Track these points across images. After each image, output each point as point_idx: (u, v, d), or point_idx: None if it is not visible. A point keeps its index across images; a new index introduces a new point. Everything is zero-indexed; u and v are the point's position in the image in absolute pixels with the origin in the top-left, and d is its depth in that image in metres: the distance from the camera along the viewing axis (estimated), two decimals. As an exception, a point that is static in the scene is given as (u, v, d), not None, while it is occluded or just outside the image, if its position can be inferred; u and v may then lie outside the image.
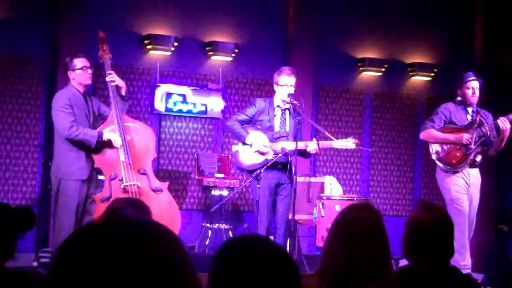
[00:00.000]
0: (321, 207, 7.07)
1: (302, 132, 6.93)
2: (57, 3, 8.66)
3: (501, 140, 6.91)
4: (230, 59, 9.42)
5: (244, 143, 6.74)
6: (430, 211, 3.18)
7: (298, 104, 6.67)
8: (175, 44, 9.08)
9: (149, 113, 9.10)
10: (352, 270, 2.60)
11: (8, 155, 8.47)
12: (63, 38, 8.56)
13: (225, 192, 8.53)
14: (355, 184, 10.10)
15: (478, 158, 6.98)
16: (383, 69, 10.18)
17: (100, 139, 6.29)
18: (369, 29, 10.15)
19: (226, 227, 8.63)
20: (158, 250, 1.17)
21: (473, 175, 7.00)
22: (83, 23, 8.56)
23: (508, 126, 6.80)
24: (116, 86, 6.56)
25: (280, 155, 6.59)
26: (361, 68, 10.16)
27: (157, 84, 9.03)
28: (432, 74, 10.42)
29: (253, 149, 6.71)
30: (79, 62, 6.42)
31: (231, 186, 8.50)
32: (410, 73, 10.43)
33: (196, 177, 8.85)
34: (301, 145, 6.58)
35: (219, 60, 9.40)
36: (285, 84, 6.73)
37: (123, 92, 6.61)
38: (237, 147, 6.83)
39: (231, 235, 8.59)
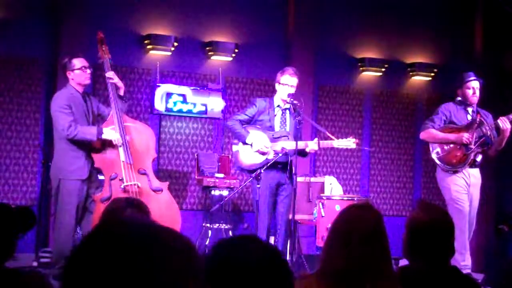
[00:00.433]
0: (321, 207, 7.07)
1: (302, 132, 6.93)
2: (57, 3, 8.66)
3: (501, 140, 6.91)
4: (230, 59, 9.42)
5: (244, 143, 6.74)
6: (430, 211, 3.18)
7: (298, 104, 6.67)
8: (175, 44, 9.08)
9: (149, 113, 9.10)
10: (352, 270, 2.60)
11: (8, 155, 8.47)
12: (64, 38, 8.55)
13: (225, 192, 8.53)
14: (355, 184, 10.10)
15: (479, 158, 6.99)
16: (383, 69, 10.17)
17: (100, 135, 6.29)
18: (369, 29, 10.15)
19: (226, 227, 8.63)
20: (173, 253, 1.17)
21: (473, 175, 7.00)
22: (83, 23, 8.56)
23: (509, 126, 6.80)
24: (115, 86, 6.56)
25: (280, 155, 6.60)
26: (361, 68, 10.16)
27: (157, 84, 9.03)
28: (432, 74, 10.42)
29: (253, 149, 6.71)
30: (77, 62, 6.43)
31: (231, 186, 8.50)
32: (410, 73, 10.43)
33: (196, 177, 8.85)
34: (301, 144, 6.58)
35: (219, 60, 9.40)
36: (286, 83, 6.75)
37: (121, 93, 6.61)
38: (237, 147, 6.83)
39: (231, 235, 8.59)
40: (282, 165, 6.63)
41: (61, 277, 1.19)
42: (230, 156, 8.78)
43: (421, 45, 10.44)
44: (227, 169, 8.84)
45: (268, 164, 6.58)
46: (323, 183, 8.41)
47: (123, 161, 6.38)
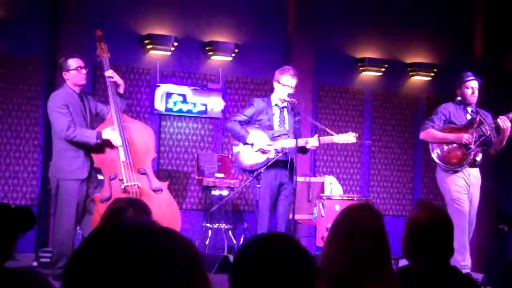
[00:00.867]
0: (321, 207, 7.07)
1: (301, 129, 6.91)
2: (57, 3, 8.66)
3: (501, 139, 6.91)
4: (230, 59, 9.42)
5: (245, 143, 6.73)
6: (429, 211, 3.18)
7: (296, 102, 6.66)
8: (175, 44, 9.08)
9: (149, 113, 9.10)
10: (352, 270, 2.60)
11: (8, 155, 8.47)
12: (63, 38, 8.55)
13: (225, 192, 8.53)
14: (355, 184, 10.10)
15: (478, 158, 6.99)
16: (383, 69, 10.18)
17: (99, 140, 6.27)
18: (369, 29, 10.15)
19: (226, 227, 8.63)
20: (174, 254, 1.18)
21: (473, 175, 7.00)
22: (83, 23, 8.55)
23: (509, 125, 6.80)
24: (115, 83, 6.54)
25: (280, 154, 6.59)
26: (361, 68, 10.16)
27: (157, 84, 9.03)
28: (432, 74, 10.42)
29: (255, 148, 6.70)
30: (73, 62, 6.41)
31: (231, 186, 8.50)
32: (410, 73, 10.43)
33: (196, 177, 8.85)
34: (301, 142, 6.58)
35: (219, 60, 9.40)
36: (287, 84, 6.73)
37: (121, 90, 6.59)
38: (238, 148, 6.82)
39: (231, 235, 8.59)
40: (283, 163, 6.63)
41: (63, 277, 1.20)
42: (230, 156, 8.78)
43: (421, 45, 10.44)
44: (227, 169, 8.84)
45: (269, 163, 6.58)
46: (323, 183, 8.42)
47: (123, 161, 6.37)
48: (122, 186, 6.32)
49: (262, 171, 6.56)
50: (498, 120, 6.85)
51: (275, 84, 6.84)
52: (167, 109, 9.08)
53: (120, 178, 6.34)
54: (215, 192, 8.64)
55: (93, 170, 6.43)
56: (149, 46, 9.05)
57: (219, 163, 8.83)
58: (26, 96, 8.54)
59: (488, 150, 7.04)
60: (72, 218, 6.26)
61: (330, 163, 9.97)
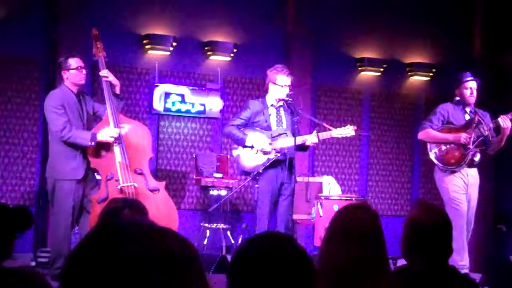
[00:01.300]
0: (319, 207, 7.08)
1: (299, 128, 6.88)
2: (56, 3, 8.66)
3: (500, 139, 6.91)
4: (228, 59, 9.42)
5: (244, 146, 6.70)
6: (428, 211, 3.18)
7: (292, 102, 6.64)
8: (174, 44, 9.08)
9: (148, 113, 9.09)
10: (349, 270, 2.61)
11: (7, 155, 8.46)
12: (62, 38, 8.54)
13: (223, 192, 8.53)
14: (354, 184, 10.11)
15: (477, 158, 6.99)
16: (381, 69, 10.18)
17: (93, 141, 6.25)
18: (368, 29, 10.15)
19: (224, 227, 8.63)
20: (172, 254, 1.18)
21: (472, 175, 7.01)
22: (82, 23, 8.53)
23: (509, 124, 6.80)
24: (110, 84, 6.53)
25: (279, 154, 6.58)
26: (359, 68, 10.16)
27: (156, 84, 9.03)
28: (431, 74, 10.42)
29: (255, 150, 6.68)
30: (73, 62, 6.40)
31: (230, 186, 8.50)
32: (409, 73, 10.43)
33: (194, 177, 8.84)
34: (300, 140, 6.56)
35: (217, 60, 9.39)
36: (284, 84, 6.71)
37: (117, 90, 6.58)
38: (237, 151, 6.80)
39: (229, 235, 8.59)
40: (282, 164, 6.61)
41: (60, 277, 1.20)
42: (228, 156, 8.77)
43: (420, 45, 10.45)
44: (226, 169, 8.84)
45: (268, 164, 6.57)
46: (321, 183, 8.42)
47: (119, 162, 6.35)
48: (119, 187, 6.30)
49: (261, 171, 6.55)
50: (499, 119, 6.85)
51: (270, 85, 6.78)
52: (165, 109, 9.08)
53: (117, 178, 6.33)
54: (214, 192, 8.64)
55: (90, 170, 6.42)
56: (147, 46, 9.05)
57: (218, 163, 8.83)
58: (25, 96, 8.53)
59: (486, 150, 7.04)
60: (68, 219, 6.25)
61: (328, 163, 9.97)
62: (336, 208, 6.82)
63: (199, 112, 9.24)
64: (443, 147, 7.01)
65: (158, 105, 9.03)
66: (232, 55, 9.39)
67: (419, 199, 10.06)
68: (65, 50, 7.82)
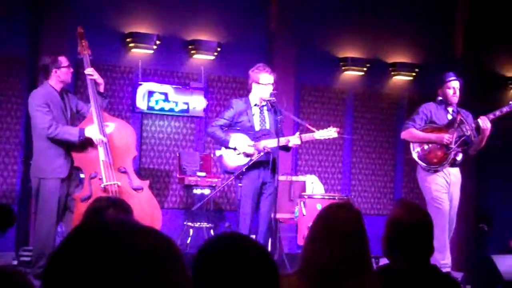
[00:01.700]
0: (302, 206, 7.09)
1: (283, 128, 6.88)
2: (38, 1, 8.61)
3: (481, 139, 6.96)
4: (212, 57, 9.42)
5: (227, 148, 6.70)
6: (409, 210, 3.20)
7: (276, 101, 6.64)
8: (158, 42, 9.06)
9: (131, 111, 9.07)
10: (332, 269, 2.61)
11: (-11, 153, 8.41)
12: (45, 36, 8.51)
13: (207, 191, 8.52)
14: (337, 183, 10.13)
15: (459, 157, 7.03)
16: (365, 69, 10.21)
17: (82, 137, 6.25)
18: (351, 28, 10.18)
19: (207, 226, 8.63)
20: (154, 253, 1.18)
21: (454, 174, 7.05)
22: (65, 21, 8.51)
23: (489, 125, 6.84)
24: (95, 82, 6.52)
25: (262, 153, 6.59)
26: (343, 68, 10.19)
27: (139, 83, 9.01)
28: (414, 74, 10.47)
29: (238, 152, 6.67)
30: (64, 60, 6.41)
31: (213, 185, 8.50)
32: (392, 73, 10.47)
33: (178, 175, 8.84)
34: (283, 141, 6.57)
35: (201, 58, 9.39)
36: (268, 83, 6.70)
37: (101, 89, 6.57)
38: (220, 151, 6.79)
39: (212, 234, 8.59)
40: (265, 163, 6.61)
41: (42, 276, 1.20)
42: (212, 155, 8.77)
43: (403, 45, 10.50)
44: (209, 167, 8.83)
45: (251, 163, 6.57)
46: (304, 182, 8.43)
47: (102, 160, 6.33)
48: (102, 185, 6.29)
49: (244, 170, 6.55)
50: (479, 120, 6.90)
51: (254, 85, 6.76)
52: (149, 108, 9.06)
53: (100, 177, 6.32)
54: (197, 191, 8.63)
55: (74, 169, 6.40)
56: (131, 44, 9.02)
57: (201, 162, 8.82)
58: (7, 94, 8.48)
59: (468, 150, 7.08)
60: (53, 217, 6.23)
61: (311, 162, 10.00)
62: (319, 207, 6.84)
63: (182, 111, 9.22)
64: (426, 147, 7.05)
65: (141, 103, 9.01)
66: (215, 54, 9.39)
67: (401, 198, 10.11)
68: (48, 49, 7.80)
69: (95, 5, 8.84)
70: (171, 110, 9.18)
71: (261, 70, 6.75)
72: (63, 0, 8.70)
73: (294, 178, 8.45)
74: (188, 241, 8.51)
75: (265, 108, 6.78)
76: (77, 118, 6.57)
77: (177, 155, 8.94)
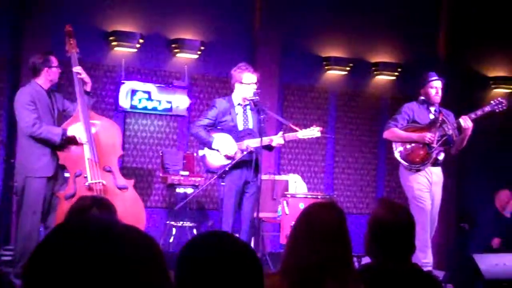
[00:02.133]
0: (285, 205, 7.10)
1: (266, 127, 6.88)
2: (21, 0, 8.57)
3: (463, 138, 7.00)
4: (195, 56, 9.41)
5: (210, 149, 6.69)
6: (391, 209, 3.22)
7: (258, 99, 6.64)
8: (141, 41, 9.04)
9: (114, 110, 9.04)
10: (314, 268, 2.62)
11: (-30, 152, 8.36)
12: (28, 35, 8.46)
13: (189, 190, 8.51)
14: (320, 182, 10.16)
15: (441, 157, 7.07)
16: (348, 68, 10.24)
17: (64, 137, 6.23)
18: (334, 28, 10.20)
19: (190, 225, 8.62)
20: (134, 252, 1.18)
21: (436, 174, 7.08)
22: (48, 19, 8.47)
23: (470, 124, 6.89)
24: (82, 81, 6.51)
25: (245, 153, 6.59)
26: (326, 67, 10.21)
27: (122, 81, 8.98)
28: (396, 74, 10.51)
29: (221, 154, 6.67)
30: (54, 59, 6.41)
31: (196, 184, 8.49)
32: (375, 72, 10.51)
33: (161, 174, 8.82)
34: (266, 141, 6.57)
35: (184, 57, 9.38)
36: (251, 82, 6.70)
37: (88, 88, 6.56)
38: (203, 151, 6.79)
39: (195, 233, 8.58)
40: (248, 163, 6.61)
41: (22, 275, 1.19)
42: (195, 154, 8.76)
43: (386, 44, 10.54)
44: (192, 166, 8.82)
45: (233, 163, 6.57)
46: (287, 181, 8.44)
47: (88, 158, 6.33)
48: (87, 184, 6.28)
49: (227, 169, 6.55)
50: (460, 119, 6.94)
51: (237, 85, 6.75)
52: (132, 106, 9.04)
53: (85, 175, 6.31)
54: (180, 190, 8.62)
55: (59, 168, 6.39)
56: (114, 43, 8.99)
57: (184, 161, 8.81)
58: (-11, 92, 8.43)
59: (450, 150, 7.12)
60: (37, 216, 6.21)
61: (294, 161, 10.01)
62: (302, 206, 6.85)
63: (165, 110, 9.21)
64: (408, 146, 7.08)
65: (124, 102, 8.98)
66: (199, 53, 9.38)
67: (383, 197, 10.15)
68: (31, 48, 7.76)
69: (78, 3, 8.80)
70: (154, 109, 9.16)
71: (243, 69, 6.74)
72: (46, -2, 8.65)
73: (277, 177, 8.46)
74: (171, 240, 8.50)
75: (248, 107, 6.78)
76: (63, 117, 6.55)
77: (160, 154, 8.92)
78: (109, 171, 6.45)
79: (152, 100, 9.11)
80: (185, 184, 8.52)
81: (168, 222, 8.75)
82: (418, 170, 7.02)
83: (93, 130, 6.42)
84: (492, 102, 7.19)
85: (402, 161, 7.10)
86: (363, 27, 10.32)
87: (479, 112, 7.00)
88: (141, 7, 9.20)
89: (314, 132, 6.73)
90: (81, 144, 6.33)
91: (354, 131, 10.38)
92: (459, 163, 9.72)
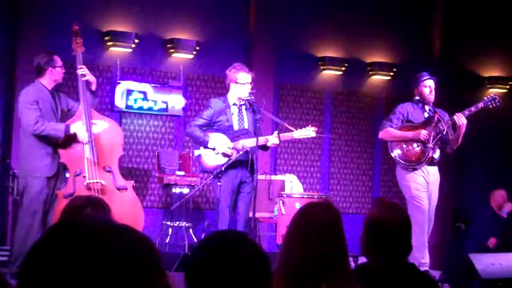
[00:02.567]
0: (281, 205, 7.10)
1: (261, 127, 6.88)
2: (16, 0, 8.54)
3: (458, 136, 7.01)
4: (191, 56, 9.40)
5: (206, 148, 6.69)
6: (387, 208, 3.22)
7: (253, 99, 6.64)
8: (136, 41, 9.03)
9: (109, 110, 9.03)
10: (310, 268, 2.62)
11: (-35, 152, 8.33)
12: (22, 36, 8.44)
13: (186, 190, 8.50)
14: (316, 182, 10.16)
15: (436, 155, 7.07)
16: (343, 68, 10.25)
17: (67, 133, 6.23)
18: (329, 28, 10.21)
19: (186, 225, 8.61)
20: (129, 252, 1.18)
21: (432, 173, 7.09)
22: (42, 20, 8.46)
23: (464, 121, 6.89)
24: (87, 81, 6.53)
25: (241, 153, 6.58)
26: (321, 67, 10.22)
27: (118, 81, 8.97)
28: (392, 74, 10.52)
29: (216, 152, 6.66)
30: (59, 59, 6.41)
31: (192, 184, 8.48)
32: (370, 72, 10.52)
33: (156, 174, 8.81)
34: (261, 140, 6.57)
35: (180, 57, 9.37)
36: (246, 82, 6.70)
37: (93, 87, 6.58)
38: (199, 151, 6.79)
39: (191, 233, 8.58)
40: (243, 163, 6.61)
41: (17, 275, 1.19)
42: (191, 154, 8.75)
43: (381, 44, 10.55)
44: (188, 166, 8.82)
45: (229, 163, 6.57)
46: (283, 181, 8.45)
47: (87, 158, 6.33)
48: (85, 183, 6.29)
49: (223, 169, 6.55)
50: (454, 117, 6.95)
51: (232, 85, 6.74)
52: (127, 107, 9.03)
53: (84, 175, 6.32)
54: (176, 190, 8.61)
55: (61, 167, 6.39)
56: (109, 43, 8.98)
57: (180, 161, 8.80)
58: (-16, 93, 8.41)
59: (445, 148, 7.13)
60: (39, 216, 6.20)
61: (290, 161, 10.02)
62: (298, 206, 6.85)
63: (161, 110, 9.20)
64: (404, 145, 7.08)
65: (120, 102, 8.97)
66: (194, 52, 9.37)
67: (379, 197, 10.16)
68: (25, 48, 7.75)
69: (74, 3, 8.78)
70: (150, 109, 9.15)
71: (238, 69, 6.74)
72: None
73: (273, 177, 8.47)
74: (167, 240, 8.50)
75: (243, 107, 6.78)
76: (67, 116, 6.54)
77: (156, 154, 8.91)
78: (109, 171, 6.45)
79: (147, 100, 9.10)
80: (181, 184, 8.52)
81: (164, 222, 8.75)
82: (414, 169, 7.03)
83: (94, 130, 6.43)
84: (485, 98, 7.21)
85: (399, 160, 7.11)
86: (358, 27, 10.33)
87: (472, 109, 7.01)
88: (136, 7, 9.18)
89: (309, 132, 6.73)
90: (82, 143, 6.34)
91: (349, 131, 10.39)
92: (455, 163, 9.73)
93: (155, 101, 9.15)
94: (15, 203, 7.21)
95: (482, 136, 9.56)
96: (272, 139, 6.65)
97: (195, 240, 8.55)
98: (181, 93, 9.25)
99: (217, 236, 2.00)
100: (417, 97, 7.20)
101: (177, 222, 8.61)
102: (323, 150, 10.23)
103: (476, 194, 10.17)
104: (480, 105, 7.06)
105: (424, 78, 7.17)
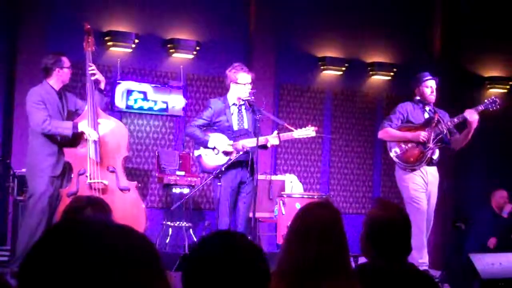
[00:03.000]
0: (281, 205, 7.10)
1: (261, 127, 6.88)
2: (17, 1, 8.54)
3: (467, 133, 6.98)
4: (191, 56, 9.40)
5: (206, 148, 6.69)
6: (387, 209, 3.22)
7: (253, 99, 6.64)
8: (136, 41, 9.03)
9: (110, 110, 9.02)
10: (311, 268, 2.62)
11: (-34, 152, 8.34)
12: (22, 36, 8.44)
13: (186, 190, 8.50)
14: (316, 182, 10.16)
15: (435, 156, 7.07)
16: (343, 68, 10.25)
17: (75, 130, 6.24)
18: (330, 28, 10.21)
19: (186, 225, 8.61)
20: (128, 252, 1.18)
21: (431, 173, 7.09)
22: (42, 20, 8.46)
23: (476, 117, 6.87)
24: (96, 80, 6.54)
25: (241, 153, 6.59)
26: (322, 67, 10.22)
27: (118, 81, 8.97)
28: (392, 74, 10.53)
29: (216, 151, 6.66)
30: (66, 60, 6.42)
31: (192, 184, 8.48)
32: (370, 72, 10.52)
33: (157, 174, 8.81)
34: (261, 140, 6.57)
35: (180, 57, 9.37)
36: (246, 82, 6.70)
37: (102, 86, 6.60)
38: (199, 151, 6.79)
39: (192, 233, 8.58)
40: (243, 163, 6.62)
41: (17, 275, 1.20)
42: (191, 154, 8.75)
43: (381, 44, 10.55)
44: (188, 166, 8.82)
45: (230, 163, 6.57)
46: (283, 181, 8.45)
47: (90, 158, 6.34)
48: (87, 183, 6.30)
49: (223, 169, 6.55)
50: (465, 113, 6.92)
51: (232, 85, 6.74)
52: (127, 107, 9.03)
53: (87, 174, 6.33)
54: (176, 190, 8.61)
55: (67, 167, 6.39)
56: (109, 43, 8.99)
57: (180, 161, 8.80)
58: (-16, 93, 8.41)
59: (448, 147, 7.12)
60: (43, 215, 6.20)
61: (290, 161, 10.02)
62: (298, 206, 6.85)
63: (161, 110, 9.20)
64: (403, 146, 7.08)
65: (120, 102, 8.97)
66: (194, 53, 9.37)
67: (379, 197, 10.16)
68: (25, 48, 7.75)
69: (73, 3, 8.78)
70: (150, 109, 9.16)
71: (238, 69, 6.74)
72: (41, -2, 8.64)
73: (273, 177, 8.47)
74: (168, 240, 8.50)
75: (243, 107, 6.78)
76: (75, 116, 6.54)
77: (156, 154, 8.91)
78: (113, 172, 6.45)
79: (148, 100, 9.11)
80: (181, 184, 8.51)
81: (164, 222, 8.74)
82: (413, 170, 7.03)
83: (100, 129, 6.43)
84: (486, 100, 7.20)
85: (398, 161, 7.11)
86: (358, 27, 10.33)
87: (480, 107, 7.02)
88: (136, 7, 9.19)
89: (309, 131, 6.72)
90: (87, 143, 6.33)
91: (349, 131, 10.39)
92: (455, 163, 9.73)
93: (155, 101, 9.15)
94: (15, 203, 7.22)
95: (483, 136, 9.55)
96: (272, 139, 6.65)
97: (195, 240, 8.55)
98: (181, 93, 9.25)
99: (214, 237, 2.01)
100: (418, 97, 7.19)
101: (177, 222, 8.61)
102: (323, 150, 10.23)
103: (476, 194, 10.17)
104: (481, 107, 7.06)
105: (426, 78, 7.16)
